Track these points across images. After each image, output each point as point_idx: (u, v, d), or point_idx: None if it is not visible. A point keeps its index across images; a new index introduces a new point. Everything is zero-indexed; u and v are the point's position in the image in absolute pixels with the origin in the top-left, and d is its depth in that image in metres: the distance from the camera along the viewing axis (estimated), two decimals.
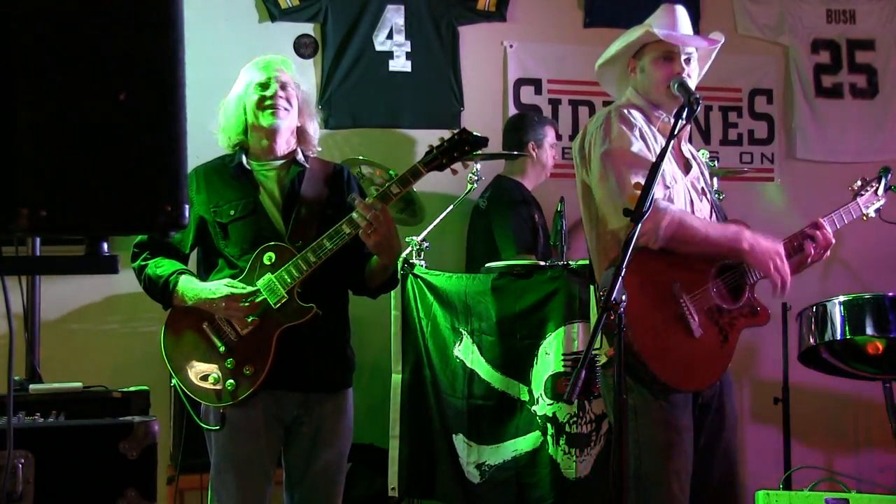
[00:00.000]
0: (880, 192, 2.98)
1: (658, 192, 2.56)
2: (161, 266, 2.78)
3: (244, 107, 2.86)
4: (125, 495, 2.02)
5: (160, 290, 2.77)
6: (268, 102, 2.82)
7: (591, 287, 2.90)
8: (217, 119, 2.92)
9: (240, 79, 2.91)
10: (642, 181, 2.43)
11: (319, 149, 3.00)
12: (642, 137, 2.66)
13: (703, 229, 2.62)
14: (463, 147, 2.73)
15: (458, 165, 2.77)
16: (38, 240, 2.76)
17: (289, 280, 2.70)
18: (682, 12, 2.82)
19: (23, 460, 1.95)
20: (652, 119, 2.75)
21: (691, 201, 2.74)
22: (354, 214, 2.67)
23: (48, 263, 2.28)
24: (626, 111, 2.70)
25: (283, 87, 2.85)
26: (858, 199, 2.93)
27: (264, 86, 2.84)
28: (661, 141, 2.69)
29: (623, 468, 2.24)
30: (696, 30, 2.92)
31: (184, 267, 2.83)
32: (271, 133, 2.84)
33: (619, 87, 2.91)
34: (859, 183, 2.99)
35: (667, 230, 2.53)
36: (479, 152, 3.38)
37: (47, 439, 2.02)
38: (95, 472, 2.03)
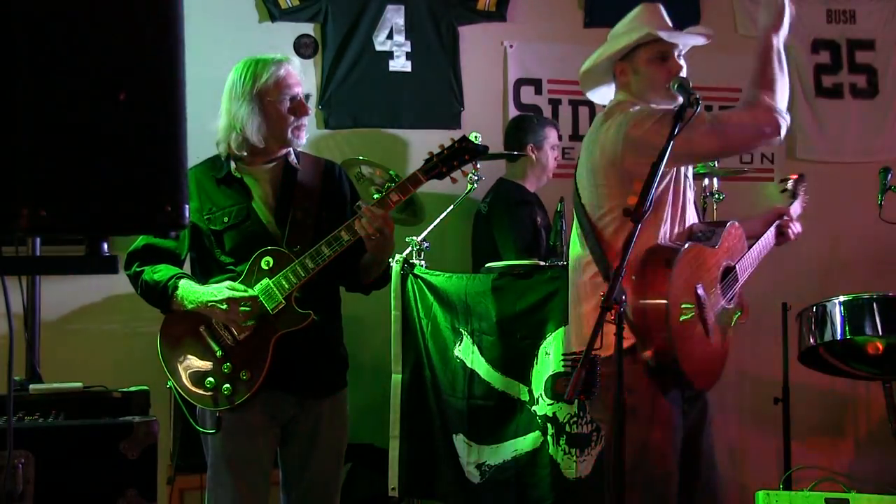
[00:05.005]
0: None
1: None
2: (158, 271, 2.75)
3: (261, 111, 2.75)
4: (125, 495, 2.02)
5: (158, 295, 2.73)
6: (298, 124, 2.79)
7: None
8: (219, 120, 2.82)
9: (249, 77, 2.75)
10: None
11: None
12: None
13: (771, 73, 2.62)
14: (463, 156, 2.71)
15: (457, 174, 2.74)
16: (38, 240, 2.76)
17: (286, 286, 2.68)
18: (662, 9, 2.81)
19: (23, 460, 1.95)
20: None
21: (693, 199, 2.78)
22: (358, 224, 2.64)
23: (48, 263, 2.27)
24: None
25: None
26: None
27: (295, 99, 2.79)
28: None
29: (622, 468, 2.25)
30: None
31: (182, 271, 2.79)
32: (287, 146, 2.83)
33: (597, 90, 2.91)
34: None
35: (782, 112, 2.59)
36: None
37: (47, 439, 2.03)
38: (95, 472, 2.04)
